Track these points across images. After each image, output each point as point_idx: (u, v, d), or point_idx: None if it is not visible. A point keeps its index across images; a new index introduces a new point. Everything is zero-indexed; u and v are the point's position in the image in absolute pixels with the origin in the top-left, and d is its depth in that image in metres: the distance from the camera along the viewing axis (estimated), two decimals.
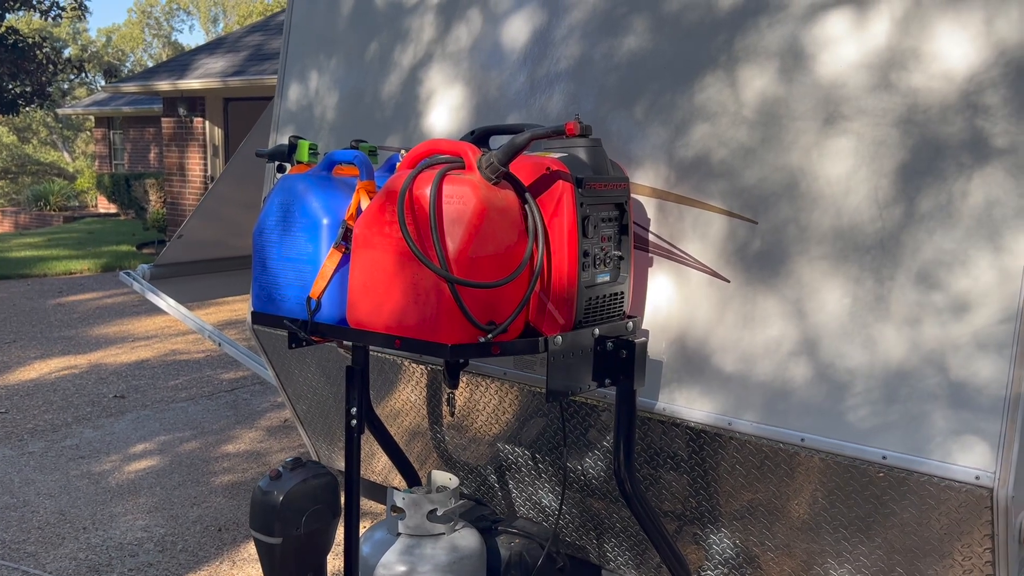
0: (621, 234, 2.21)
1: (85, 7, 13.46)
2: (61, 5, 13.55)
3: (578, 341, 2.08)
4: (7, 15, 13.27)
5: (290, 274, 2.23)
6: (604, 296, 2.15)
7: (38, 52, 13.96)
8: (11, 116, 14.86)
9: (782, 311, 2.12)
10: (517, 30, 2.68)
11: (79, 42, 51.40)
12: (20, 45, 13.03)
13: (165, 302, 4.80)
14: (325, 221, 2.18)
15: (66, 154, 44.16)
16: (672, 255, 2.31)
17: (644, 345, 2.17)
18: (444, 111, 2.86)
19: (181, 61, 12.84)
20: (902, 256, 1.97)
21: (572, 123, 1.89)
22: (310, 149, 2.39)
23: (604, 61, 2.47)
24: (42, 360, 7.23)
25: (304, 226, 2.20)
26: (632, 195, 2.37)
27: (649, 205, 2.36)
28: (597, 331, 2.13)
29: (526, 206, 2.02)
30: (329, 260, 2.16)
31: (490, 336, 1.93)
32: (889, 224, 1.99)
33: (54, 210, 20.42)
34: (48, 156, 43.28)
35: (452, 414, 2.22)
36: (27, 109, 15.03)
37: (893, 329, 1.97)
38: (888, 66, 2.00)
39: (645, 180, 2.37)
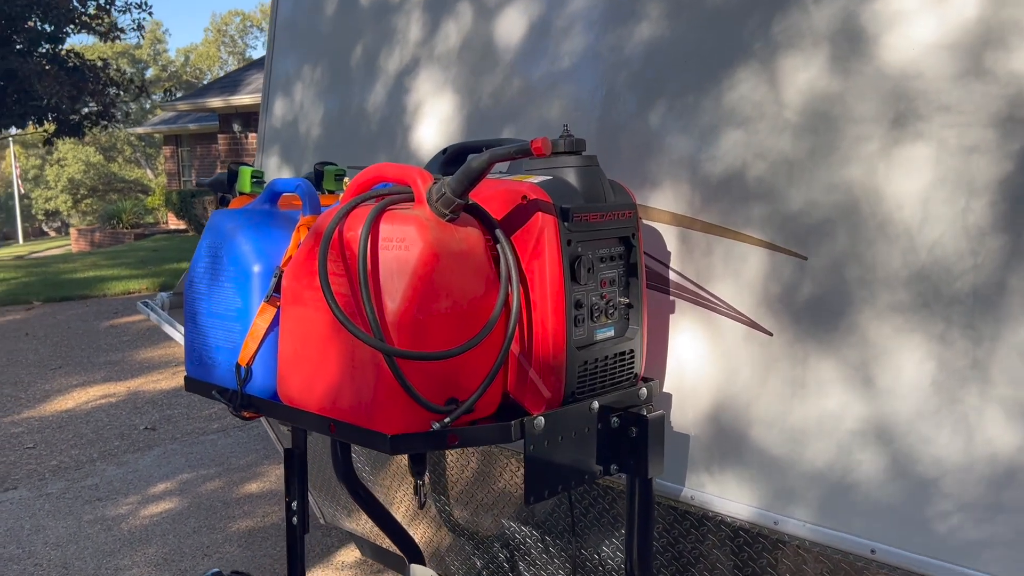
0: (629, 275, 1.72)
1: (143, 27, 13.55)
2: (119, 26, 13.68)
3: (569, 420, 1.60)
4: (66, 39, 13.43)
5: (219, 333, 1.81)
6: (606, 358, 1.67)
7: (102, 74, 14.10)
8: (78, 138, 15.08)
9: (842, 376, 1.60)
10: (510, 25, 2.21)
11: (159, 63, 53.15)
12: (80, 67, 13.16)
13: (180, 333, 4.49)
14: (256, 268, 1.76)
15: (149, 171, 45.60)
16: (699, 299, 1.81)
17: (661, 420, 1.68)
18: (434, 124, 2.42)
19: (234, 78, 12.78)
20: (1007, 305, 1.43)
21: (540, 140, 1.41)
22: (253, 177, 1.98)
23: (612, 56, 1.99)
24: (82, 388, 7.06)
25: (232, 275, 1.78)
26: (648, 222, 1.88)
27: (669, 235, 1.86)
28: (597, 404, 1.65)
29: (498, 246, 1.56)
30: (260, 317, 1.73)
31: (447, 421, 1.47)
32: (987, 261, 1.45)
33: (126, 228, 20.79)
34: (132, 174, 44.76)
35: (421, 506, 1.76)
36: (93, 131, 15.23)
37: (997, 406, 1.43)
38: (981, 45, 1.46)
39: (664, 204, 1.87)
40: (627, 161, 1.92)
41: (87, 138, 20.04)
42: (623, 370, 1.71)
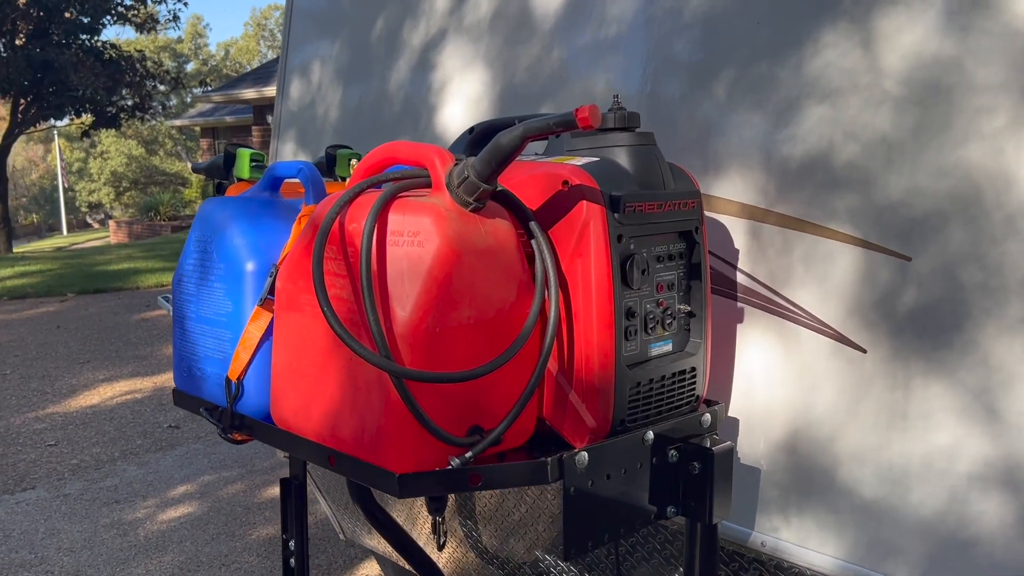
0: (690, 278, 1.44)
1: (178, 18, 13.50)
2: (156, 18, 13.64)
3: (618, 454, 1.31)
4: (103, 30, 13.40)
5: (208, 341, 1.56)
6: (663, 378, 1.38)
7: (138, 66, 14.06)
8: (115, 130, 15.09)
9: (957, 405, 1.30)
10: None
11: (200, 57, 53.72)
12: (116, 59, 13.11)
13: None
14: (249, 266, 1.50)
15: (189, 164, 46.05)
16: (774, 307, 1.52)
17: (729, 453, 1.39)
18: (462, 103, 2.14)
19: (267, 69, 12.65)
20: None
21: (587, 108, 1.12)
22: (252, 161, 1.72)
23: (669, 19, 1.69)
24: (109, 383, 6.92)
25: (222, 274, 1.52)
26: (712, 214, 1.59)
27: (738, 230, 1.57)
28: (651, 434, 1.36)
29: (532, 242, 1.28)
30: (253, 323, 1.48)
31: (469, 456, 1.20)
32: None
33: (164, 220, 20.86)
34: (173, 167, 45.28)
35: (441, 548, 1.49)
36: (132, 123, 15.22)
37: None
38: None
39: (732, 193, 1.58)
40: (687, 142, 1.63)
41: (129, 131, 20.17)
42: (683, 392, 1.42)
